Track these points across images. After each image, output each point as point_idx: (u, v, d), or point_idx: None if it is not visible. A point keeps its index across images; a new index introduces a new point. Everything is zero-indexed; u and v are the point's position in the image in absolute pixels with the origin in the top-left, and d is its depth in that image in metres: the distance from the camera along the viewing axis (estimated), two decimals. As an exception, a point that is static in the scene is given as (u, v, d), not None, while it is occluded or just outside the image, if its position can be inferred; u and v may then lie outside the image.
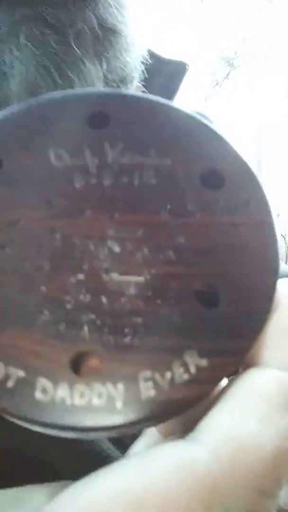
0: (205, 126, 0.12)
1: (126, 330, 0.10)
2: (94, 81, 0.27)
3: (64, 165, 0.11)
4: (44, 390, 0.09)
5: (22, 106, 0.11)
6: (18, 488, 0.10)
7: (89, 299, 0.10)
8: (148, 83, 0.35)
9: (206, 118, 0.45)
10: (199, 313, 0.10)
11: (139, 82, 0.33)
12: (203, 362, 0.09)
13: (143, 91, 0.36)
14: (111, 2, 0.28)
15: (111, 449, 0.25)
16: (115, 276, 0.10)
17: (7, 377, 0.09)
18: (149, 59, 0.34)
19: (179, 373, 0.09)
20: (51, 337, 0.09)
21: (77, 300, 0.10)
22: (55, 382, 0.09)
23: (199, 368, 0.09)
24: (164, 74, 0.37)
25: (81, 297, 0.10)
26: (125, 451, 0.23)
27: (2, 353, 0.09)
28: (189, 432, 0.09)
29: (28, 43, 0.25)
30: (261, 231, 0.11)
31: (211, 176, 0.11)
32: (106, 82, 0.28)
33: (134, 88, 0.33)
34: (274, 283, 0.10)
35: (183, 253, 0.10)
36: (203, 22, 5.11)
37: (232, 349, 0.09)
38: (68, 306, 0.10)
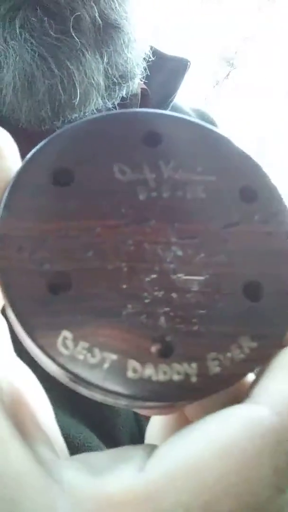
0: (240, 150, 0.14)
1: (194, 320, 0.12)
2: (94, 74, 0.25)
3: (128, 179, 0.13)
4: (134, 370, 0.12)
5: (86, 121, 0.13)
6: (117, 449, 0.12)
7: (162, 295, 0.12)
8: (149, 79, 0.35)
9: (207, 116, 0.45)
10: (247, 305, 0.12)
11: (140, 79, 0.33)
12: (254, 344, 0.12)
13: (143, 88, 0.35)
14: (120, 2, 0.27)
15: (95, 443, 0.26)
16: (181, 275, 0.12)
17: (103, 361, 0.12)
18: (151, 56, 0.33)
19: (237, 353, 0.12)
20: (135, 327, 0.12)
21: (153, 296, 0.12)
22: (143, 363, 0.12)
23: (251, 349, 0.12)
24: (165, 70, 0.37)
25: (156, 293, 0.12)
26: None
27: (97, 341, 0.12)
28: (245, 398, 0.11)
29: (24, 32, 0.24)
30: None
31: (247, 191, 0.13)
32: (107, 76, 0.27)
33: (136, 84, 0.32)
34: None
35: (232, 257, 0.13)
36: (203, 22, 5.12)
37: (275, 332, 0.12)
38: (146, 301, 0.12)
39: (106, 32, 0.26)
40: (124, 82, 0.29)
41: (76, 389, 0.12)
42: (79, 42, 0.25)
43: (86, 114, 0.27)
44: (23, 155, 0.33)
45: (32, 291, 0.12)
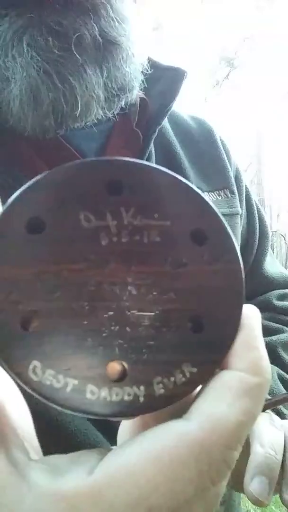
0: (196, 193, 0.14)
1: (144, 350, 0.14)
2: (94, 87, 0.28)
3: (92, 226, 0.14)
4: (92, 392, 0.13)
5: (56, 171, 0.14)
6: (77, 452, 0.14)
7: (118, 329, 0.14)
8: (148, 89, 0.36)
9: (204, 123, 0.45)
10: (190, 336, 0.14)
11: (139, 91, 0.34)
12: (194, 370, 0.14)
13: (142, 98, 0.36)
14: (113, 16, 0.29)
15: (99, 438, 0.29)
16: (134, 312, 0.14)
17: (66, 385, 0.13)
18: (149, 69, 0.34)
19: (179, 378, 0.14)
20: (94, 356, 0.14)
21: (110, 330, 0.14)
22: (99, 386, 0.13)
23: (192, 373, 0.14)
24: (163, 80, 0.37)
25: (112, 327, 0.14)
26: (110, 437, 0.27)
27: (61, 368, 0.13)
28: (184, 414, 0.13)
29: (30, 49, 0.26)
30: (233, 276, 0.14)
31: (197, 234, 0.14)
32: (106, 89, 0.29)
33: (134, 95, 0.33)
34: (240, 314, 0.14)
35: (180, 294, 0.14)
36: (203, 22, 5.12)
37: (213, 359, 0.14)
38: (104, 334, 0.14)
39: (106, 49, 0.28)
40: (123, 94, 0.31)
41: (48, 405, 0.14)
42: (80, 59, 0.27)
43: (88, 123, 0.30)
44: (27, 162, 0.33)
45: (8, 327, 0.13)
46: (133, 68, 0.30)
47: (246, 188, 0.44)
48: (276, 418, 0.30)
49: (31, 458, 0.13)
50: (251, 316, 0.14)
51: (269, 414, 0.28)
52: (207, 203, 0.14)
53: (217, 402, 0.13)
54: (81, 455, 0.13)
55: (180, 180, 0.14)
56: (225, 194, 0.40)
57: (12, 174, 0.29)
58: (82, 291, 0.14)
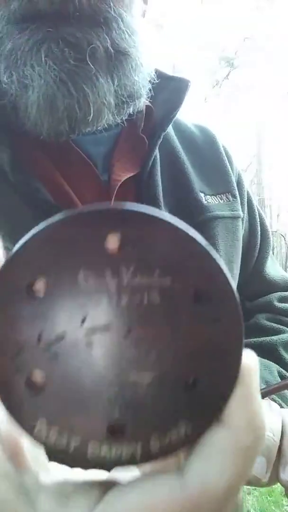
0: (201, 246, 0.13)
1: (142, 409, 0.14)
2: (105, 95, 0.30)
3: (91, 286, 0.13)
4: (93, 449, 0.14)
5: (47, 225, 0.13)
6: (83, 481, 0.15)
7: (118, 390, 0.14)
8: (154, 97, 0.37)
9: (207, 130, 0.46)
10: (188, 395, 0.14)
11: (145, 99, 0.36)
12: (190, 427, 0.14)
13: (148, 105, 0.38)
14: (124, 29, 0.31)
15: None
16: (134, 373, 0.14)
17: (69, 443, 0.14)
18: (155, 78, 0.36)
19: (174, 434, 0.14)
20: (96, 416, 0.14)
21: (110, 391, 0.14)
22: (100, 443, 0.14)
23: (187, 431, 0.14)
24: (168, 89, 0.38)
25: (113, 388, 0.14)
26: None
27: (66, 426, 0.14)
28: (179, 467, 0.14)
29: (48, 60, 0.28)
30: (233, 337, 0.14)
31: (201, 294, 0.13)
32: (116, 96, 0.31)
33: (142, 103, 0.35)
34: (238, 373, 0.14)
35: (178, 354, 0.14)
36: (203, 22, 5.12)
37: (209, 418, 0.14)
38: (105, 395, 0.14)
39: (117, 59, 0.30)
40: (131, 101, 0.33)
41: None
42: (93, 69, 0.29)
43: (98, 128, 0.32)
44: (41, 164, 0.34)
45: (15, 389, 0.14)
46: (141, 77, 0.32)
47: (248, 193, 0.45)
48: (274, 404, 0.31)
49: (40, 482, 0.15)
50: (248, 370, 0.14)
51: (268, 401, 0.29)
52: (213, 259, 0.13)
53: (210, 464, 0.13)
54: (86, 487, 0.14)
55: (186, 232, 0.13)
56: (227, 198, 0.41)
57: (22, 172, 0.31)
58: (84, 355, 0.14)
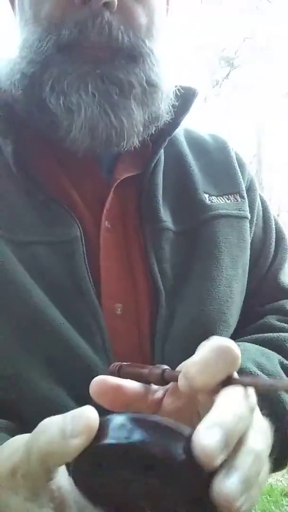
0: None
1: None
2: (138, 124, 0.35)
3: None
4: None
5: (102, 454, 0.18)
6: None
7: None
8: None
9: (220, 138, 0.47)
10: None
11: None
12: None
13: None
14: (154, 62, 0.35)
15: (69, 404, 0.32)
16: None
17: None
18: (175, 101, 0.40)
19: None
20: None
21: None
22: None
23: None
24: (176, 97, 0.40)
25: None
26: None
27: None
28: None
29: (95, 93, 0.33)
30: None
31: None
32: (144, 124, 0.36)
33: (162, 123, 0.39)
34: None
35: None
36: (203, 22, 5.11)
37: None
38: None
39: (149, 92, 0.35)
40: (155, 124, 0.38)
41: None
42: (132, 103, 0.34)
43: (125, 148, 0.37)
44: (45, 160, 0.37)
45: None
46: (165, 104, 0.38)
47: (263, 201, 0.47)
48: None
49: None
50: None
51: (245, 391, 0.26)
52: None
53: None
54: None
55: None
56: (235, 198, 0.42)
57: (24, 167, 0.35)
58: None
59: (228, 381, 0.20)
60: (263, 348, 0.38)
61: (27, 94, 0.33)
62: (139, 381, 0.25)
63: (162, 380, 0.24)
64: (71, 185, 0.35)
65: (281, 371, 0.36)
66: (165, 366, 0.25)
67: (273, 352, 0.38)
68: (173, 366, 0.28)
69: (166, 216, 0.38)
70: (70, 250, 0.33)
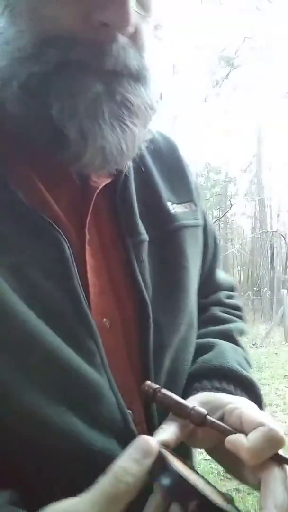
0: None
1: None
2: (140, 142, 0.36)
3: None
4: None
5: None
6: None
7: None
8: None
9: (169, 139, 0.47)
10: None
11: None
12: None
13: None
14: (152, 84, 0.35)
15: None
16: None
17: None
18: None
19: None
20: None
21: None
22: None
23: None
24: None
25: None
26: None
27: None
28: None
29: (112, 121, 0.32)
30: None
31: None
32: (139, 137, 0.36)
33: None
34: None
35: None
36: (203, 22, 5.11)
37: None
38: None
39: (149, 114, 0.35)
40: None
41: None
42: (138, 126, 0.34)
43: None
44: (19, 168, 0.34)
45: None
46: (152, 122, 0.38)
47: (202, 202, 0.48)
48: None
49: None
50: None
51: (285, 472, 0.28)
52: None
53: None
54: None
55: None
56: (190, 207, 0.44)
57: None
58: None
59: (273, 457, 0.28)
60: (231, 345, 0.43)
61: (24, 103, 0.31)
62: (171, 410, 0.30)
63: (203, 424, 0.29)
64: (46, 192, 0.33)
65: (245, 363, 0.42)
66: (204, 410, 0.29)
67: (236, 346, 0.44)
68: (165, 375, 0.36)
69: (142, 227, 0.38)
70: (63, 270, 0.31)
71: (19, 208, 0.30)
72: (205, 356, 0.39)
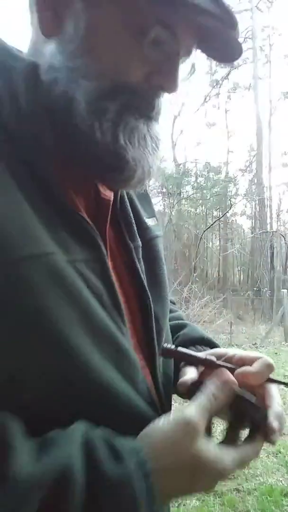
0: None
1: None
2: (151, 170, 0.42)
3: None
4: None
5: None
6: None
7: None
8: None
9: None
10: None
11: None
12: None
13: None
14: (158, 120, 0.43)
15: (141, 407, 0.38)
16: None
17: None
18: None
19: None
20: None
21: None
22: None
23: None
24: None
25: None
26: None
27: None
28: None
29: (151, 150, 0.41)
30: None
31: None
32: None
33: None
34: None
35: None
36: (203, 22, 5.08)
37: None
38: None
39: (158, 145, 0.43)
40: None
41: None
42: (157, 154, 0.42)
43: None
44: (61, 176, 0.39)
45: None
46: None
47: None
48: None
49: None
50: None
51: (277, 391, 0.41)
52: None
53: None
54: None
55: None
56: (155, 220, 0.53)
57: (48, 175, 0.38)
58: None
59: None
60: (190, 325, 0.58)
61: (102, 131, 0.38)
62: (189, 360, 0.42)
63: (217, 367, 0.39)
64: (75, 197, 0.39)
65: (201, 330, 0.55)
66: (214, 358, 0.40)
67: (195, 326, 0.58)
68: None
69: (137, 234, 0.46)
70: (102, 268, 0.38)
71: (69, 212, 0.37)
72: (185, 331, 0.55)
